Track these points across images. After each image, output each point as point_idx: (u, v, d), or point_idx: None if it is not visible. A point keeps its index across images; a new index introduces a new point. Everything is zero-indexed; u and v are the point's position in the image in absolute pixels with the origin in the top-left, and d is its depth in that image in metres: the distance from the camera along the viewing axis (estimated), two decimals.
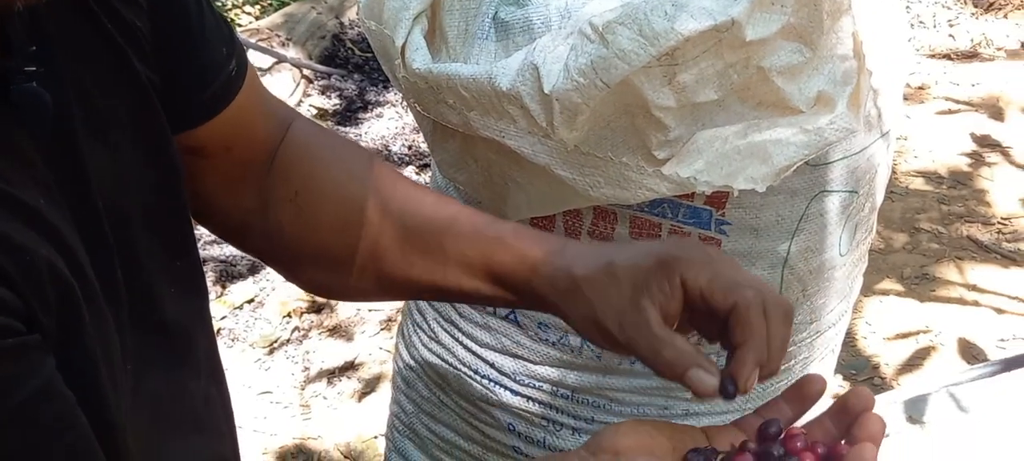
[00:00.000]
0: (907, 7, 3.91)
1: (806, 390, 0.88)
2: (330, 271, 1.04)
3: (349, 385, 2.76)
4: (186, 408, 0.90)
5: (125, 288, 0.79)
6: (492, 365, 1.34)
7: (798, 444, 0.79)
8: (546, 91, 1.07)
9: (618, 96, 1.06)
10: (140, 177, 0.84)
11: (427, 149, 1.33)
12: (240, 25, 4.29)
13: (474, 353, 1.35)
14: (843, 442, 0.83)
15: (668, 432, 0.84)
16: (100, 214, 0.77)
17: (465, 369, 1.36)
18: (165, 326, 0.85)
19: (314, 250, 1.04)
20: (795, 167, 1.11)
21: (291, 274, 1.09)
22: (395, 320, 2.83)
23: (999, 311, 2.72)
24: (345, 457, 2.57)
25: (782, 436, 0.82)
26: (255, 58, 3.96)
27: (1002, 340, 2.62)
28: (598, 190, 1.13)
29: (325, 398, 2.74)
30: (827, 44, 1.09)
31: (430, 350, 1.39)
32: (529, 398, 1.33)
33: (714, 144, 1.09)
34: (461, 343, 1.35)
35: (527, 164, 1.13)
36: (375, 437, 2.54)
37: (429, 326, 1.39)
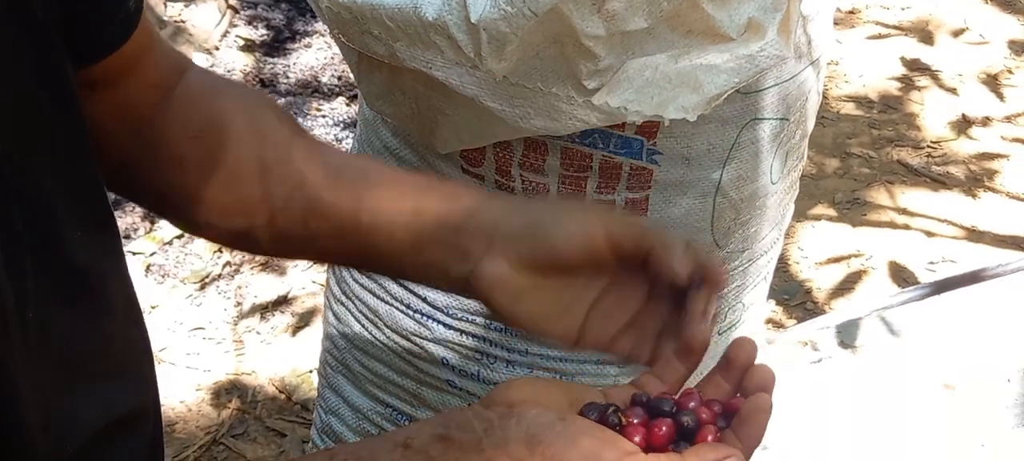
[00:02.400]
0: None
1: (737, 358, 0.87)
2: (242, 214, 1.01)
3: (282, 319, 2.75)
4: (101, 353, 0.88)
5: (25, 233, 0.77)
6: (424, 299, 1.34)
7: (691, 404, 0.79)
8: (473, 20, 1.05)
9: (547, 25, 1.05)
10: (41, 118, 0.82)
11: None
12: None
13: (406, 287, 1.34)
14: (738, 395, 0.84)
15: (564, 388, 0.84)
16: None
17: (397, 303, 1.36)
18: (73, 269, 0.83)
19: (225, 191, 1.00)
20: (726, 95, 1.11)
21: (194, 220, 1.03)
22: None
23: (929, 234, 2.76)
24: (280, 392, 2.57)
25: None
26: None
27: (932, 263, 2.65)
28: (528, 121, 1.12)
29: (258, 333, 2.73)
30: None
31: (361, 284, 1.39)
32: (462, 332, 1.33)
33: (644, 73, 1.08)
34: (392, 277, 1.35)
35: (455, 96, 1.12)
36: (310, 371, 2.53)
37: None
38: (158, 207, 1.06)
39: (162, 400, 2.49)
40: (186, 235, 3.02)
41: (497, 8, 1.04)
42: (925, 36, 3.49)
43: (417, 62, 1.11)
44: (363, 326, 1.40)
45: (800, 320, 2.43)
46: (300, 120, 3.43)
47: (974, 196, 2.88)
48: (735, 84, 1.10)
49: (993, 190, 2.89)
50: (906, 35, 3.49)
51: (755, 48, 1.09)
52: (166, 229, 3.03)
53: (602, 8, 1.04)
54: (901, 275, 2.63)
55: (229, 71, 3.69)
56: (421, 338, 1.36)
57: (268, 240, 1.01)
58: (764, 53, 1.10)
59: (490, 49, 1.06)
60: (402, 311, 1.35)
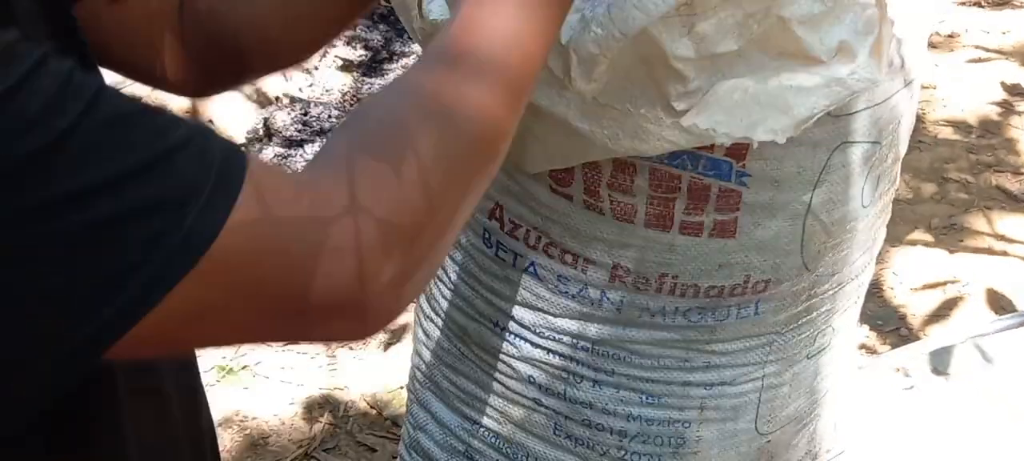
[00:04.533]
0: None
1: None
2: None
3: (374, 337, 2.78)
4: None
5: None
6: (512, 318, 1.34)
7: None
8: (563, 42, 1.06)
9: (636, 47, 1.05)
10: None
11: None
12: None
13: (494, 306, 1.35)
14: None
15: None
16: None
17: (485, 321, 1.36)
18: None
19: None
20: (816, 118, 1.10)
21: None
22: None
23: None
24: (371, 407, 2.59)
25: None
26: None
27: None
28: (617, 142, 1.12)
29: (351, 349, 2.75)
30: None
31: (451, 303, 1.39)
32: (549, 350, 1.34)
33: (733, 94, 1.08)
34: (481, 296, 1.35)
35: (545, 116, 1.13)
36: (400, 388, 2.55)
37: (450, 278, 1.39)
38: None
39: (259, 416, 2.54)
40: None
41: (587, 30, 1.05)
42: None
43: None
44: (452, 343, 1.41)
45: (893, 346, 2.40)
46: None
47: None
48: (825, 107, 1.10)
49: None
50: (1007, 59, 3.44)
51: (846, 71, 1.09)
52: None
53: (692, 31, 1.04)
54: (998, 302, 2.58)
55: (327, 91, 3.74)
56: (508, 356, 1.36)
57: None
58: (855, 76, 1.09)
59: (579, 70, 1.07)
60: (490, 329, 1.36)
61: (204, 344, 0.77)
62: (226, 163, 0.68)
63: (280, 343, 2.74)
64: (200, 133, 0.68)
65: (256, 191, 0.69)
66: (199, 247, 0.65)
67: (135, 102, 0.67)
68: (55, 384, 0.67)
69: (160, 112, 0.68)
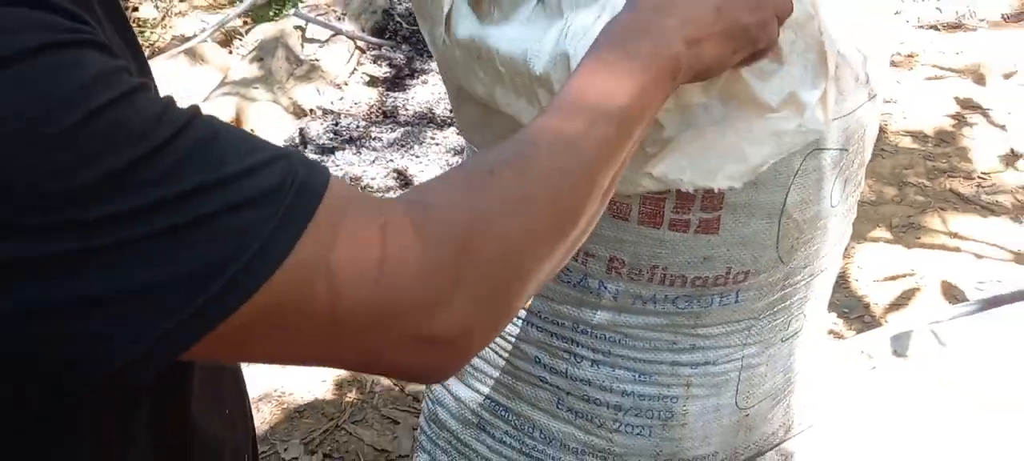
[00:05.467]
0: None
1: None
2: None
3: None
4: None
5: None
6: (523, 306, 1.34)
7: None
8: (537, 73, 1.06)
9: None
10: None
11: None
12: (302, 1, 4.30)
13: None
14: None
15: None
16: None
17: None
18: None
19: None
20: (768, 165, 1.10)
21: None
22: None
23: (978, 256, 2.71)
24: (394, 385, 2.59)
25: None
26: (315, 31, 3.97)
27: (980, 282, 2.61)
28: None
29: None
30: (796, 52, 1.07)
31: None
32: (553, 333, 1.34)
33: (695, 143, 1.08)
34: None
35: None
36: None
37: None
38: None
39: (295, 393, 2.54)
40: None
41: (567, 64, 1.05)
42: (977, 78, 3.43)
43: (511, 110, 1.12)
44: None
45: (858, 331, 2.40)
46: (416, 147, 3.47)
47: (1020, 222, 2.82)
48: (777, 156, 1.10)
49: None
50: (960, 77, 3.43)
51: (794, 125, 1.08)
52: None
53: None
54: (952, 293, 2.58)
55: (355, 103, 3.74)
56: (517, 339, 1.36)
57: None
58: (803, 129, 1.08)
59: None
60: None
61: (277, 357, 0.72)
62: (306, 183, 0.66)
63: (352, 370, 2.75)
64: (285, 155, 0.66)
65: (333, 213, 0.66)
66: (275, 258, 0.64)
67: (227, 125, 0.66)
68: (145, 370, 0.65)
69: (248, 135, 0.67)
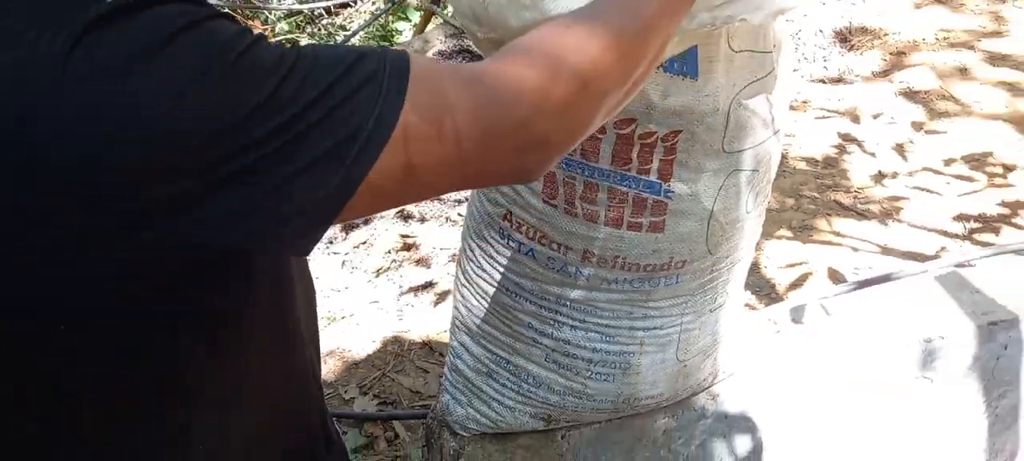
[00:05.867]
0: (797, 47, 3.85)
1: None
2: None
3: (428, 297, 2.78)
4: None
5: None
6: (518, 284, 1.34)
7: None
8: None
9: None
10: None
11: None
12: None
13: (506, 277, 1.35)
14: None
15: None
16: None
17: (501, 288, 1.36)
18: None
19: None
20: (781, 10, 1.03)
21: None
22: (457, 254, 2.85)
23: (854, 249, 2.71)
24: (425, 344, 2.59)
25: None
26: None
27: (856, 269, 2.60)
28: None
29: (412, 306, 2.76)
30: None
31: (478, 274, 1.40)
32: (541, 306, 1.34)
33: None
34: (497, 269, 1.35)
35: None
36: (445, 331, 2.56)
37: (477, 259, 1.39)
38: None
39: (352, 349, 2.49)
40: (367, 240, 3.05)
41: None
42: (854, 118, 3.42)
43: (561, 6, 0.99)
44: (479, 301, 1.41)
45: (766, 305, 2.40)
46: None
47: (886, 225, 2.82)
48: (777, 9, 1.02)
49: (898, 221, 2.83)
50: (841, 117, 3.42)
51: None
52: (355, 238, 3.07)
53: None
54: (835, 276, 2.58)
55: None
56: (515, 310, 1.36)
57: None
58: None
59: None
60: (504, 292, 1.36)
61: (410, 196, 0.70)
62: (394, 61, 0.65)
63: (365, 301, 2.76)
64: (370, 49, 0.66)
65: (425, 76, 0.66)
66: (389, 122, 0.63)
67: (317, 46, 0.66)
68: (314, 232, 0.66)
69: (338, 46, 0.67)
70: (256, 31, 0.64)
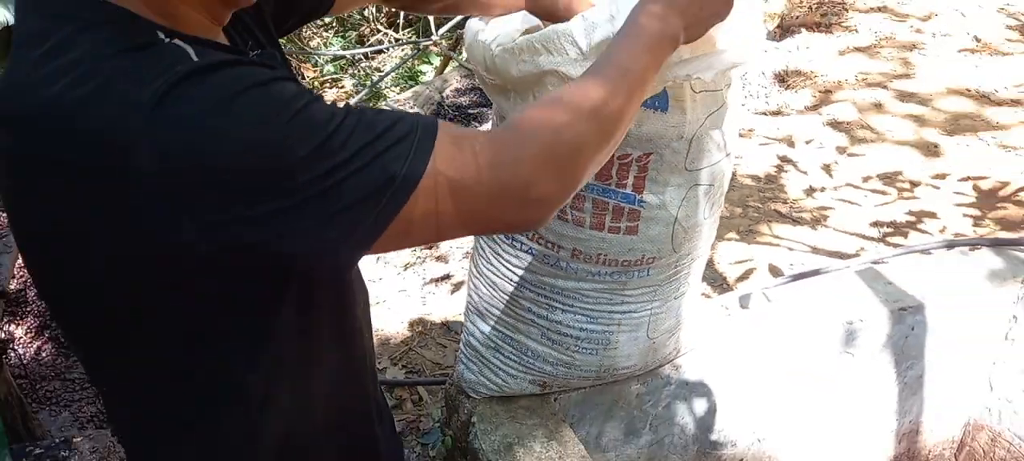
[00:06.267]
0: (744, 86, 3.85)
1: None
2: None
3: (446, 286, 2.78)
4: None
5: None
6: (520, 276, 1.34)
7: None
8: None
9: None
10: None
11: None
12: (392, 98, 4.29)
13: (508, 268, 1.34)
14: None
15: None
16: None
17: (505, 279, 1.36)
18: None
19: None
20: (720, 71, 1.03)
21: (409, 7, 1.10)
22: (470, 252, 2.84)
23: (790, 249, 2.70)
24: (443, 324, 2.59)
25: None
26: None
27: (792, 264, 2.59)
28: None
29: (433, 293, 2.75)
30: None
31: (486, 267, 1.39)
32: (538, 293, 1.33)
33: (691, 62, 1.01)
34: (503, 264, 1.35)
35: None
36: (460, 314, 2.55)
37: (486, 255, 1.39)
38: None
39: (385, 328, 2.47)
40: None
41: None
42: (790, 143, 3.41)
43: (552, 64, 1.02)
44: (488, 289, 1.41)
45: (719, 294, 2.39)
46: None
47: (815, 229, 2.81)
48: (729, 65, 1.03)
49: (825, 226, 2.82)
50: (780, 143, 3.42)
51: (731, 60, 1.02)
52: None
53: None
54: (776, 271, 2.57)
55: None
56: (518, 297, 1.36)
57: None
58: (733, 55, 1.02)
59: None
60: (508, 282, 1.36)
61: (430, 238, 0.68)
62: (426, 126, 0.65)
63: (395, 290, 2.76)
64: (408, 114, 0.66)
65: (448, 141, 0.65)
66: (417, 174, 0.63)
67: (363, 106, 0.65)
68: (351, 260, 0.65)
69: (380, 109, 0.66)
70: (315, 92, 0.64)
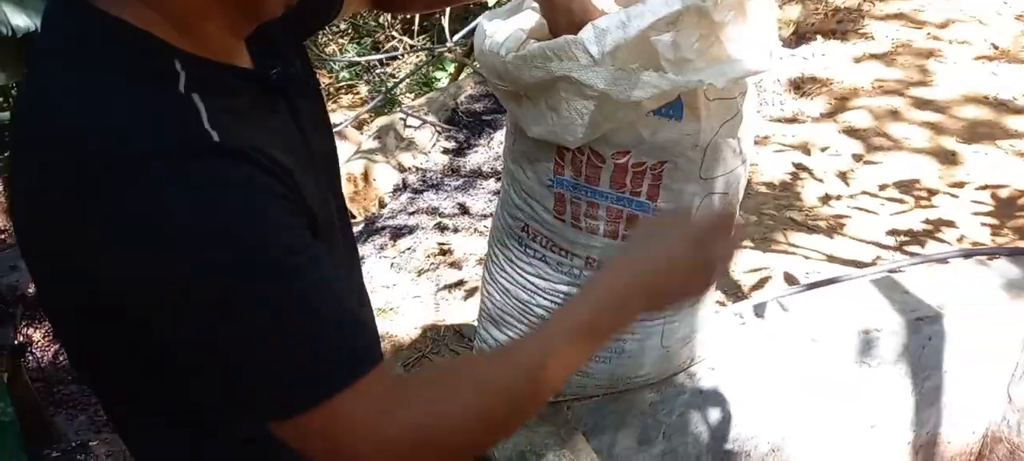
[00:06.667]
0: (759, 93, 3.83)
1: None
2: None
3: (459, 293, 2.78)
4: (363, 289, 0.89)
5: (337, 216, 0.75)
6: (532, 283, 1.33)
7: None
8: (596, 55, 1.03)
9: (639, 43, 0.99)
10: (326, 151, 0.77)
11: (502, 168, 1.31)
12: (406, 104, 4.31)
13: (523, 277, 1.34)
14: None
15: None
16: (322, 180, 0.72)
17: (519, 286, 1.36)
18: (349, 240, 0.81)
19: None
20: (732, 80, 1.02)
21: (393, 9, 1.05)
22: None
23: (806, 258, 2.67)
24: (457, 331, 2.59)
25: None
26: (411, 121, 3.97)
27: (807, 273, 2.57)
28: (625, 94, 1.00)
29: (447, 300, 2.75)
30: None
31: (500, 274, 1.39)
32: (554, 301, 1.32)
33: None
34: (516, 271, 1.35)
35: (584, 88, 1.01)
36: (473, 320, 2.55)
37: (500, 262, 1.38)
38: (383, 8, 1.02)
39: (398, 334, 2.48)
40: (412, 246, 3.05)
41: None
42: (805, 151, 3.39)
43: (564, 70, 1.01)
44: (502, 297, 1.41)
45: (734, 301, 2.38)
46: (471, 190, 3.45)
47: (831, 238, 2.79)
48: (734, 78, 1.02)
49: (842, 235, 2.80)
50: (795, 150, 3.40)
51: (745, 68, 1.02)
52: (401, 244, 3.07)
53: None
54: (791, 279, 2.55)
55: (435, 164, 3.74)
56: (531, 305, 1.35)
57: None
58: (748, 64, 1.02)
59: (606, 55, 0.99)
60: (522, 289, 1.35)
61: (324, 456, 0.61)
62: (363, 358, 0.58)
63: (409, 296, 2.75)
64: (361, 339, 0.59)
65: (356, 394, 0.58)
66: (310, 405, 0.57)
67: (336, 310, 0.58)
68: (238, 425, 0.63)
69: (342, 316, 0.59)
70: (311, 249, 0.57)
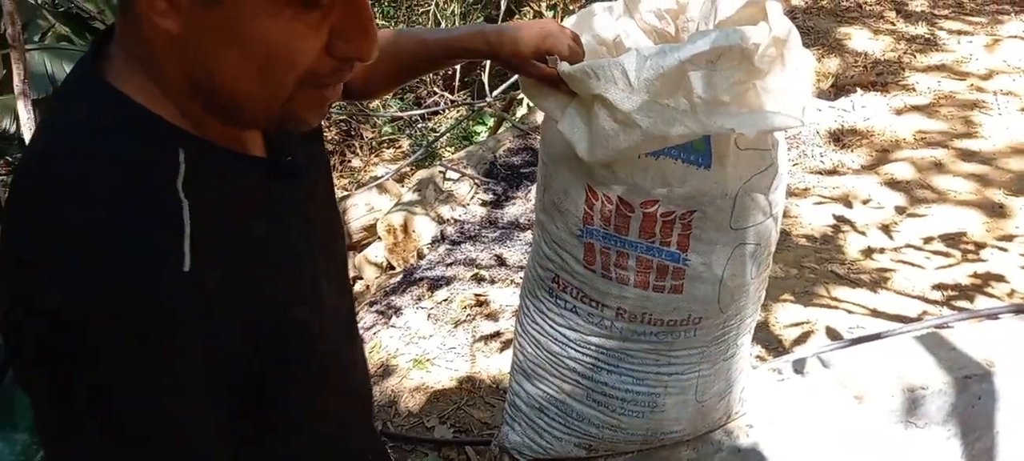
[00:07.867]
0: (798, 145, 3.79)
1: None
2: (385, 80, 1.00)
3: (495, 344, 2.76)
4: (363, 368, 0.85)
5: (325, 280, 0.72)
6: (564, 335, 1.32)
7: None
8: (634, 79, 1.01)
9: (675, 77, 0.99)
10: (330, 231, 0.76)
11: (534, 220, 1.31)
12: (446, 157, 4.36)
13: (555, 329, 1.33)
14: None
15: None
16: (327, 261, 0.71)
17: (550, 338, 1.34)
18: (339, 309, 0.77)
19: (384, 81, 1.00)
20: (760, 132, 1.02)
21: (362, 97, 1.04)
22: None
23: (849, 312, 2.60)
24: (493, 382, 2.57)
25: None
26: (451, 174, 4.01)
27: (850, 328, 2.50)
28: (657, 128, 0.99)
29: (483, 352, 2.74)
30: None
31: (532, 326, 1.38)
32: (584, 353, 1.31)
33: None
34: (547, 323, 1.34)
35: (616, 111, 1.00)
36: (507, 372, 2.52)
37: (531, 314, 1.37)
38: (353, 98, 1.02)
39: (433, 386, 2.46)
40: (448, 298, 3.05)
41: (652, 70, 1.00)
42: (847, 203, 3.33)
43: (601, 89, 1.00)
44: (533, 349, 1.39)
45: (773, 357, 2.32)
46: (508, 242, 3.46)
47: (875, 292, 2.71)
48: (768, 129, 1.01)
49: (885, 289, 2.72)
50: (836, 203, 3.34)
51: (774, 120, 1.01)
52: (438, 296, 3.07)
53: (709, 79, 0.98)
54: (833, 334, 2.48)
55: (473, 216, 3.76)
56: (562, 356, 1.34)
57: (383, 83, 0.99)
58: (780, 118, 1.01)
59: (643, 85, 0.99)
60: (553, 341, 1.34)
61: None
62: None
63: (445, 348, 2.75)
64: None
65: None
66: None
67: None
68: None
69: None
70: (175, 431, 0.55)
